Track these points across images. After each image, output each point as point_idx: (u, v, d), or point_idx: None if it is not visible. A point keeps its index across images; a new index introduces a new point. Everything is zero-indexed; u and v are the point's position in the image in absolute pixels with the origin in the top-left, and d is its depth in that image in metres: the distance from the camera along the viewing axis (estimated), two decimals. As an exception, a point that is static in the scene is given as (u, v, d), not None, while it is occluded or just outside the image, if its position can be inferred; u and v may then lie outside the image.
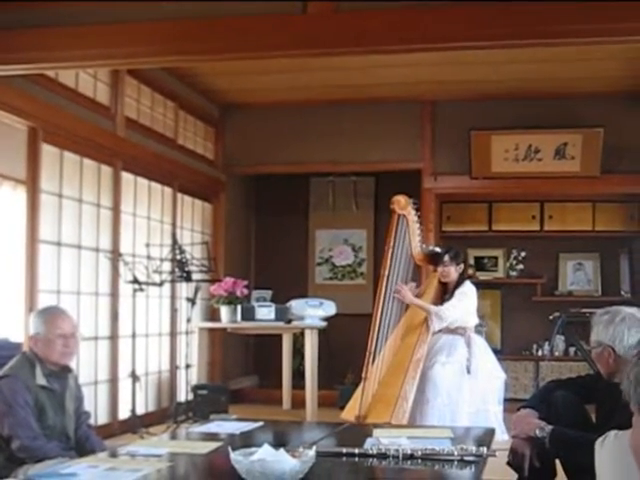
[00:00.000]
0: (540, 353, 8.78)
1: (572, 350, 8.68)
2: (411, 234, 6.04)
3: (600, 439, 2.09)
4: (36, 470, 3.03)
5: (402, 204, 5.92)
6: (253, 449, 2.56)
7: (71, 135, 6.33)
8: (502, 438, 5.26)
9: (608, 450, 2.03)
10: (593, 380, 3.42)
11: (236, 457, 2.48)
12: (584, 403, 3.45)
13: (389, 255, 5.84)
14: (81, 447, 3.67)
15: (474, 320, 6.24)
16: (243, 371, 9.72)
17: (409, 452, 2.90)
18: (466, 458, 2.88)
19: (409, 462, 2.86)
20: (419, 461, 2.87)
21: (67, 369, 3.75)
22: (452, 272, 6.16)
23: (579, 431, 3.10)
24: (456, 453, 2.90)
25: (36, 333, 3.62)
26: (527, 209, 9.09)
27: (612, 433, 2.06)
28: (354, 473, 2.90)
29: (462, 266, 6.24)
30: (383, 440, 3.14)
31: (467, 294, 6.14)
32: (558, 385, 3.54)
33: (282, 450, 2.50)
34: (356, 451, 2.96)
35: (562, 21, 4.32)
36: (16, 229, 6.40)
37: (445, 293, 6.21)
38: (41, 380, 3.56)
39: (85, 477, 2.60)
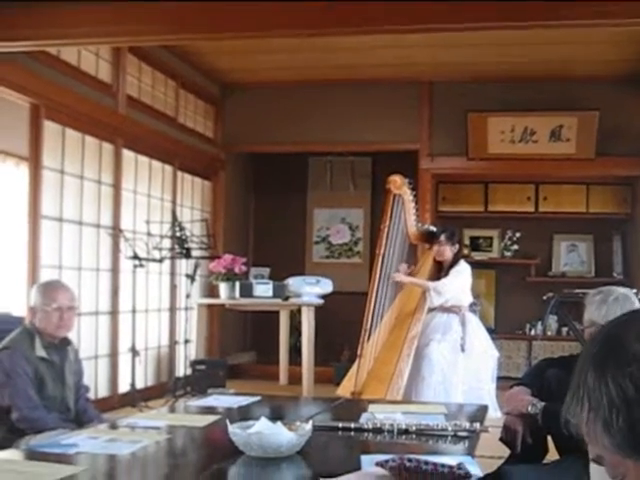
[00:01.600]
0: (533, 332, 8.82)
1: (564, 330, 8.72)
2: (407, 213, 6.04)
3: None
4: (37, 441, 3.04)
5: (398, 184, 5.92)
6: (251, 422, 2.57)
7: (73, 112, 6.31)
8: (495, 415, 5.27)
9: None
10: (585, 358, 3.42)
11: (234, 430, 2.48)
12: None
13: (385, 234, 5.85)
14: (79, 419, 3.69)
15: (468, 299, 6.25)
16: (241, 347, 9.74)
17: (404, 427, 2.91)
18: (459, 434, 2.89)
19: (403, 437, 2.88)
20: (413, 436, 2.89)
21: (66, 341, 3.77)
22: (447, 251, 6.17)
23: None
24: (450, 429, 2.91)
25: (34, 305, 3.63)
26: (522, 190, 9.10)
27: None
28: (349, 447, 2.91)
29: (457, 246, 6.24)
30: (378, 415, 3.15)
31: (462, 272, 6.15)
32: (551, 363, 3.53)
33: (279, 423, 2.51)
34: (352, 425, 2.97)
35: (557, 2, 4.30)
36: (19, 205, 6.40)
37: (440, 271, 6.22)
38: (40, 352, 3.57)
39: (85, 447, 2.61)
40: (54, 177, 6.14)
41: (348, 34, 5.62)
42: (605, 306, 3.05)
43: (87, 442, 2.69)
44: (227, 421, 2.55)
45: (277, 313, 8.60)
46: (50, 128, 6.06)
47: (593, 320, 3.09)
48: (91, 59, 6.66)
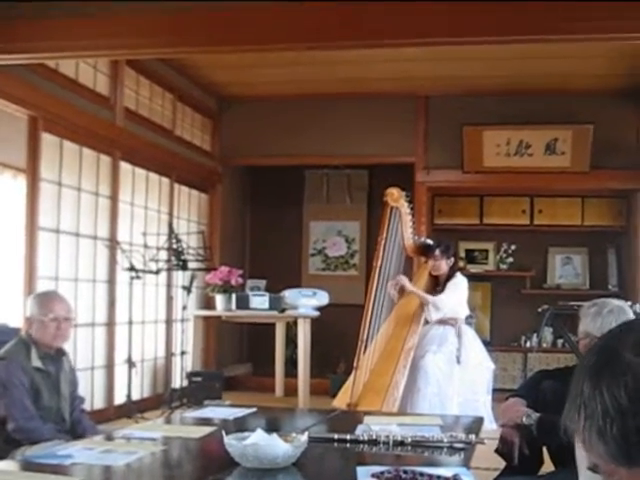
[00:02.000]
0: (528, 345, 8.80)
1: (560, 342, 8.71)
2: (403, 226, 6.04)
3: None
4: (33, 451, 3.02)
5: (395, 196, 5.93)
6: (246, 433, 2.56)
7: (71, 125, 6.31)
8: (490, 427, 5.27)
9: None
10: (580, 371, 3.41)
11: (230, 441, 2.48)
12: (571, 393, 3.44)
13: (382, 246, 5.85)
14: (74, 430, 3.68)
15: (465, 311, 6.25)
16: (237, 359, 9.72)
17: (399, 438, 2.91)
18: (455, 445, 2.88)
19: (399, 448, 2.87)
20: (409, 447, 2.88)
21: (61, 352, 3.76)
22: (443, 265, 6.17)
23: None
24: (445, 440, 2.90)
25: (31, 315, 3.63)
26: (517, 203, 9.11)
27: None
28: (345, 458, 2.90)
29: (453, 259, 6.24)
30: (374, 427, 3.14)
31: (459, 285, 6.15)
32: (546, 375, 3.53)
33: (275, 435, 2.50)
34: (347, 437, 2.96)
35: (554, 18, 4.32)
36: (16, 217, 6.40)
37: (437, 285, 6.22)
38: (36, 362, 3.57)
39: (81, 458, 2.60)
40: (52, 189, 6.13)
41: (347, 48, 5.64)
42: (600, 318, 3.05)
43: (83, 453, 2.68)
44: (223, 432, 2.54)
45: (273, 325, 8.58)
46: (48, 140, 6.06)
47: (588, 332, 3.08)
48: (89, 72, 6.66)
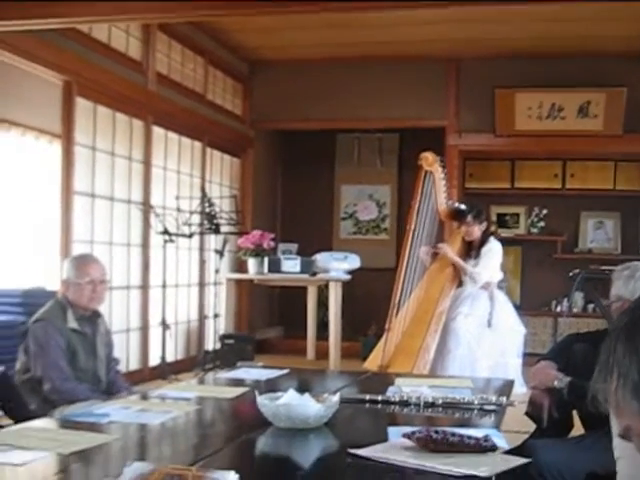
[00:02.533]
0: (559, 309, 8.76)
1: (590, 307, 8.67)
2: (437, 190, 6.01)
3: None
4: (70, 410, 3.07)
5: (430, 161, 5.90)
6: (279, 394, 2.58)
7: (104, 89, 6.33)
8: (520, 391, 5.25)
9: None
10: (611, 334, 3.39)
11: (262, 401, 2.49)
12: (602, 357, 3.43)
13: (415, 210, 5.82)
14: (109, 391, 3.72)
15: (498, 275, 6.22)
16: (269, 322, 9.78)
17: (430, 400, 2.91)
18: (486, 407, 2.88)
19: (430, 410, 2.88)
20: (440, 409, 2.89)
21: (97, 314, 3.80)
22: (475, 231, 6.13)
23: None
24: (476, 402, 2.90)
25: (67, 278, 3.67)
26: (549, 167, 9.03)
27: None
28: (376, 419, 2.92)
29: (485, 224, 6.19)
30: (404, 388, 3.16)
31: (493, 250, 6.12)
32: (577, 338, 3.51)
33: (307, 395, 2.52)
34: (379, 398, 2.97)
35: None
36: (52, 181, 6.45)
37: (470, 250, 6.18)
38: (73, 324, 3.61)
39: (117, 417, 2.63)
40: (86, 153, 6.17)
41: (379, 9, 5.55)
42: (633, 281, 3.03)
43: (119, 412, 2.72)
44: (256, 392, 2.56)
45: (304, 288, 8.61)
46: (82, 105, 6.09)
47: (620, 295, 3.06)
48: (121, 37, 6.66)
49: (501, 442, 2.27)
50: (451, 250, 6.06)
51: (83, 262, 3.76)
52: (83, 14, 4.80)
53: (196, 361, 7.38)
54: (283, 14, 5.97)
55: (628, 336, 0.94)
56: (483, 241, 6.14)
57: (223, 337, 7.49)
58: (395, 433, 2.34)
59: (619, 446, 1.95)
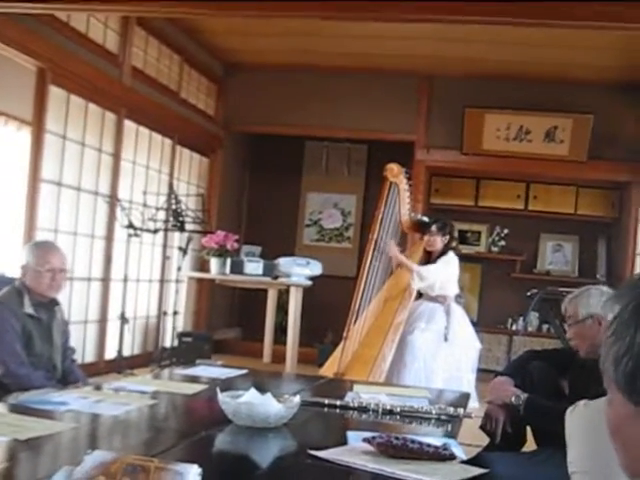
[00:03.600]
0: (514, 327, 8.82)
1: (545, 327, 8.75)
2: (401, 202, 6.04)
3: (570, 408, 2.12)
4: (26, 397, 3.02)
5: (395, 172, 5.92)
6: (240, 392, 2.56)
7: (79, 79, 6.26)
8: (474, 405, 5.28)
9: (577, 418, 2.05)
10: (568, 355, 3.41)
11: (224, 398, 2.47)
12: (558, 376, 3.46)
13: (379, 220, 5.84)
14: (65, 380, 3.68)
15: (454, 289, 6.25)
16: (227, 322, 9.73)
17: (388, 407, 2.91)
18: (443, 417, 2.89)
19: (388, 417, 2.88)
20: (398, 417, 2.89)
21: (55, 302, 3.75)
22: (438, 242, 6.17)
23: (552, 401, 3.11)
24: (434, 412, 2.91)
25: (27, 263, 3.61)
26: (513, 188, 9.10)
27: (581, 403, 2.07)
28: (335, 423, 2.91)
29: (448, 237, 6.23)
30: (363, 395, 3.15)
31: (450, 262, 6.16)
32: (534, 355, 3.54)
33: (269, 394, 2.50)
34: (337, 403, 2.96)
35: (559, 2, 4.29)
36: (17, 168, 6.35)
37: (428, 262, 6.21)
38: (29, 309, 3.56)
39: (75, 406, 2.59)
40: (56, 141, 6.09)
41: (354, 19, 5.56)
42: (604, 298, 3.07)
43: (76, 401, 2.68)
44: (217, 389, 2.54)
45: (265, 292, 8.58)
46: (55, 93, 6.01)
47: (592, 313, 3.08)
48: (99, 28, 6.59)
49: (459, 451, 2.28)
50: (396, 249, 6.08)
51: (44, 249, 3.70)
52: (63, 1, 4.74)
53: (153, 357, 7.32)
54: (262, 17, 5.95)
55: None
56: (443, 253, 6.17)
57: (181, 335, 7.43)
58: (355, 437, 2.33)
59: (575, 461, 1.96)
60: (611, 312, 2.65)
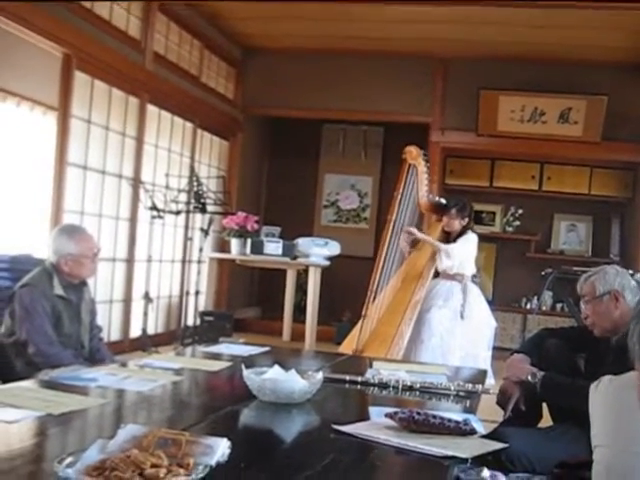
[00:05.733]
0: (529, 306, 8.82)
1: (559, 306, 8.73)
2: (419, 183, 6.02)
3: (594, 384, 2.10)
4: (57, 373, 3.04)
5: (414, 154, 5.91)
6: (264, 368, 2.58)
7: (103, 65, 6.28)
8: (489, 382, 5.28)
9: (602, 394, 2.04)
10: (583, 332, 3.41)
11: (249, 375, 2.49)
12: (574, 353, 3.46)
13: (397, 201, 5.83)
14: (92, 358, 3.70)
15: (472, 268, 6.23)
16: (247, 302, 9.77)
17: (408, 384, 2.92)
18: (461, 393, 2.90)
19: (408, 393, 2.89)
20: (417, 393, 2.90)
21: (83, 283, 3.78)
22: (456, 224, 6.13)
23: (569, 378, 3.11)
24: (453, 388, 2.92)
25: (67, 254, 3.59)
26: (527, 169, 9.06)
27: (606, 378, 2.06)
28: (357, 398, 2.92)
29: (467, 220, 6.18)
30: (383, 372, 3.16)
31: (470, 241, 6.13)
32: (550, 333, 3.53)
33: (293, 371, 2.51)
34: (359, 379, 2.98)
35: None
36: (44, 152, 6.38)
37: (447, 242, 6.19)
38: (59, 290, 3.58)
39: (105, 382, 2.62)
40: (81, 126, 6.11)
41: (370, 1, 5.53)
42: (619, 275, 3.08)
43: (106, 378, 2.70)
44: (242, 366, 2.55)
45: (284, 272, 8.59)
46: (80, 78, 6.03)
47: (608, 289, 3.08)
48: (122, 15, 6.60)
49: (479, 427, 2.28)
50: (419, 231, 6.08)
51: (82, 237, 3.70)
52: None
53: (175, 335, 7.37)
54: (280, 1, 5.94)
55: None
56: (461, 234, 6.14)
57: (203, 314, 7.47)
58: (377, 413, 2.34)
59: (598, 435, 1.96)
60: (628, 289, 2.65)
